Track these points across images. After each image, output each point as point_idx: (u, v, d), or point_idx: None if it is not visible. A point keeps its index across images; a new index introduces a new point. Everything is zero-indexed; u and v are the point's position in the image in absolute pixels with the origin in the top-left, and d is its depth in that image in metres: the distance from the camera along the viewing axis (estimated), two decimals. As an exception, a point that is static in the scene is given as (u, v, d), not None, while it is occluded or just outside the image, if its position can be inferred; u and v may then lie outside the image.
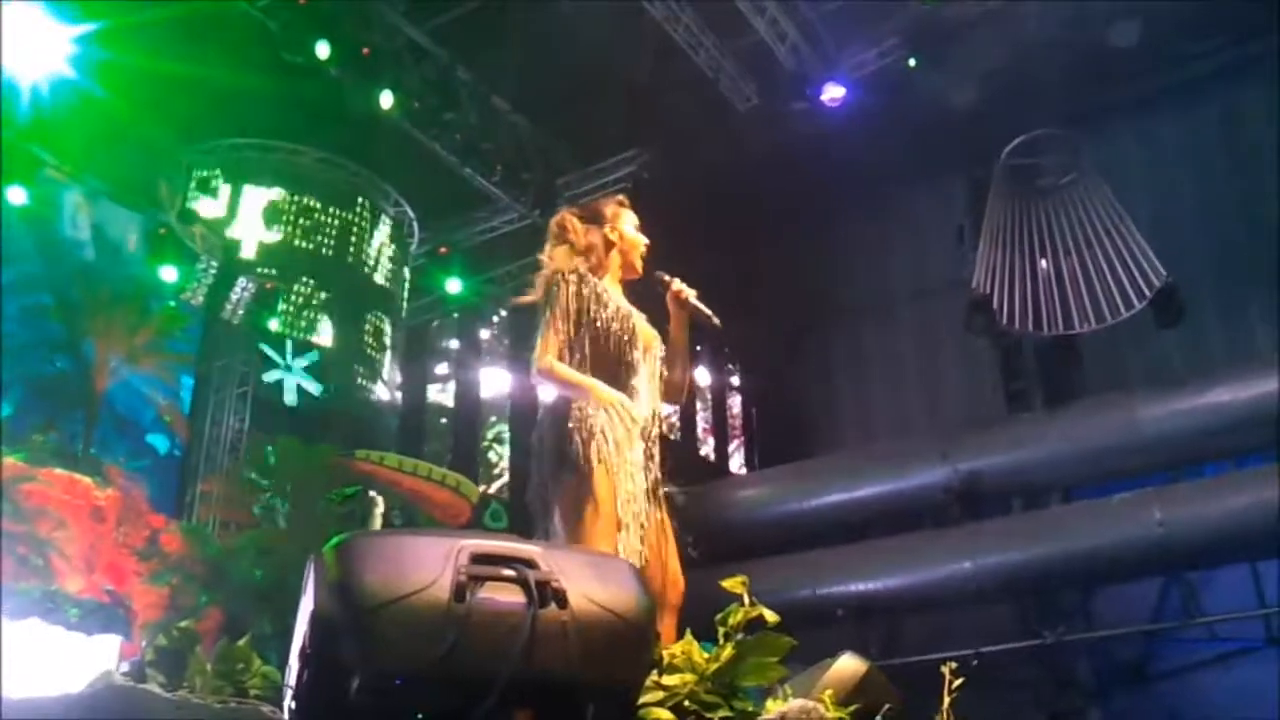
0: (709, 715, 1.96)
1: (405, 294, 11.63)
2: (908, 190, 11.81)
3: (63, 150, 8.48)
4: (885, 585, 9.62)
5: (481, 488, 10.99)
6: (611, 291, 3.16)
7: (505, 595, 1.79)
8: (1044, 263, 9.68)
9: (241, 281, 9.73)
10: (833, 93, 9.80)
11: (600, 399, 2.90)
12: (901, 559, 9.73)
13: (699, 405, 12.99)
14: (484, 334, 13.30)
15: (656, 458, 3.06)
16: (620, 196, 3.40)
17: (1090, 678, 9.56)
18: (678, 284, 3.19)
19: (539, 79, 10.19)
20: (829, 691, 2.48)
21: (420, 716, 1.72)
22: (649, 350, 3.15)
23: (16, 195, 8.27)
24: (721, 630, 2.09)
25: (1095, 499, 9.26)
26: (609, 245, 3.24)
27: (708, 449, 13.05)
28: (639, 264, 3.26)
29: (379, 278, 11.02)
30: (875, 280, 12.48)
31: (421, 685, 1.71)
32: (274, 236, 10.35)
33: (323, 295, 10.51)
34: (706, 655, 2.03)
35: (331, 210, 10.72)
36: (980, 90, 9.81)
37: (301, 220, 10.51)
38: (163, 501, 8.38)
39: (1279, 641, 8.75)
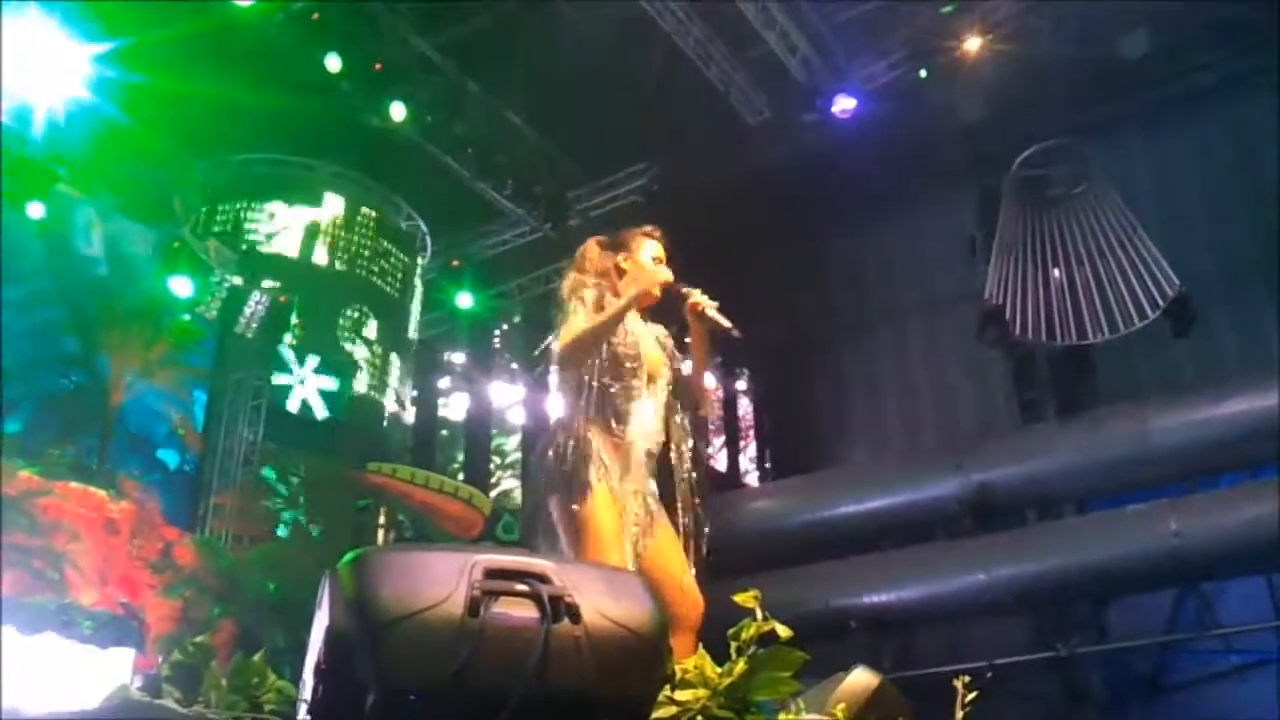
0: (722, 730, 1.96)
1: (418, 307, 11.68)
2: (918, 201, 11.81)
3: (76, 166, 8.54)
4: (898, 597, 9.60)
5: (495, 491, 11.01)
6: (630, 316, 3.16)
7: (519, 610, 1.80)
8: (1056, 273, 9.67)
9: (255, 295, 9.77)
10: (844, 104, 9.82)
11: (640, 281, 3.03)
12: (915, 571, 9.70)
13: (710, 420, 12.99)
14: (495, 346, 13.34)
15: (681, 473, 3.07)
16: (648, 227, 3.38)
17: (1104, 690, 9.50)
18: (695, 295, 3.18)
19: (550, 92, 10.24)
20: (842, 705, 2.48)
21: (434, 731, 1.72)
22: (655, 378, 3.15)
23: (35, 210, 8.35)
24: (734, 645, 2.09)
25: (1110, 510, 9.22)
26: (620, 272, 3.26)
27: (719, 460, 13.02)
28: (655, 292, 3.21)
29: (391, 291, 11.06)
30: (887, 291, 12.47)
31: (436, 700, 1.72)
32: (288, 250, 10.40)
33: (336, 308, 10.55)
34: (719, 670, 2.03)
35: (344, 224, 10.77)
36: (990, 101, 9.82)
37: (314, 234, 10.56)
38: (175, 516, 8.40)
39: (1296, 653, 8.69)
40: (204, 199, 10.42)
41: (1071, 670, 9.47)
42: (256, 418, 9.42)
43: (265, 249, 10.30)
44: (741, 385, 13.75)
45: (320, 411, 10.02)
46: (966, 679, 2.58)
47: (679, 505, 3.10)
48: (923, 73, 9.76)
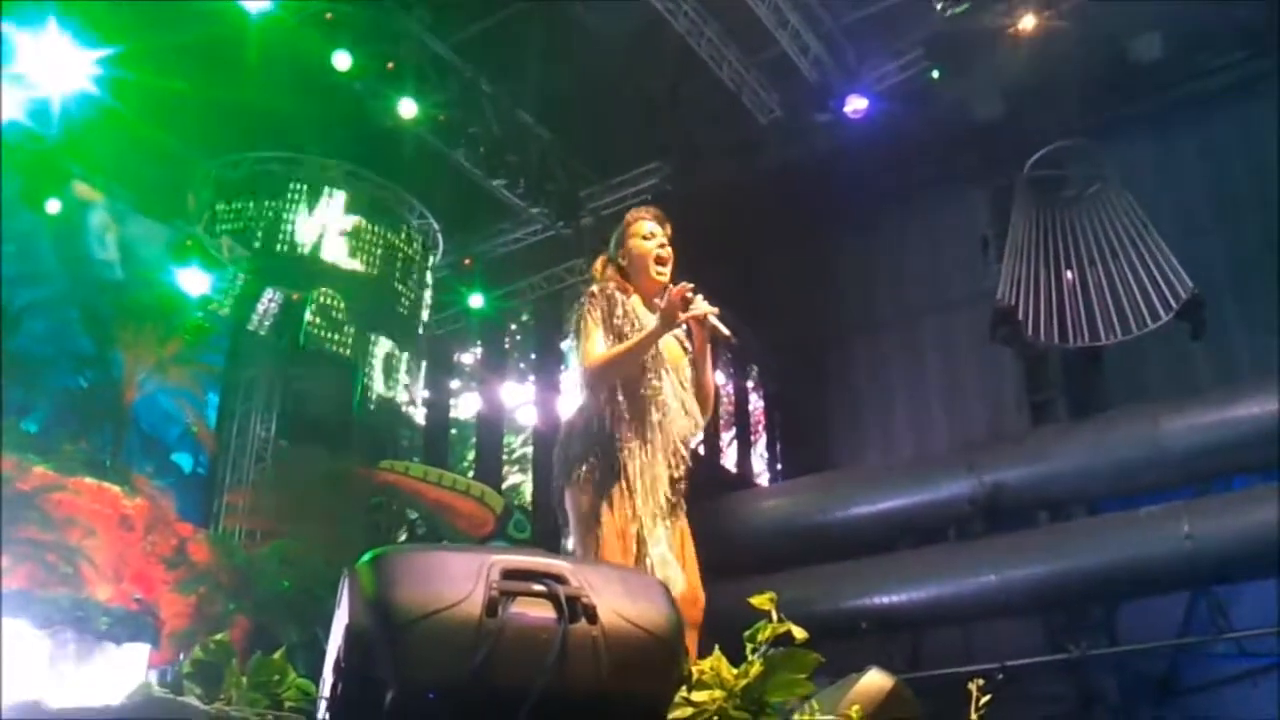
0: (737, 731, 1.97)
1: (430, 305, 11.70)
2: (930, 201, 11.80)
3: (90, 164, 8.60)
4: (910, 598, 9.59)
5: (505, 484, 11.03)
6: (640, 312, 3.17)
7: (536, 610, 1.82)
8: (1069, 274, 9.64)
9: (267, 293, 9.81)
10: (855, 105, 9.81)
11: (668, 312, 2.95)
12: (926, 572, 9.70)
13: (721, 417, 12.98)
14: (507, 344, 13.36)
15: (681, 473, 3.07)
16: (634, 210, 3.37)
17: (1116, 693, 9.47)
18: (696, 303, 3.13)
19: (562, 92, 10.25)
20: (856, 707, 2.48)
21: (453, 730, 1.74)
22: (676, 369, 3.15)
23: (53, 206, 8.41)
24: (749, 646, 2.10)
25: (1122, 512, 9.20)
26: (622, 270, 3.27)
27: (730, 461, 13.03)
28: (654, 272, 3.23)
29: (403, 289, 11.08)
30: (898, 291, 12.46)
31: (454, 699, 1.74)
32: (301, 248, 10.42)
33: (348, 306, 10.57)
34: (735, 671, 2.04)
35: (356, 222, 10.79)
36: (1002, 102, 9.80)
37: (326, 232, 10.58)
38: (189, 517, 8.47)
39: (1310, 657, 8.66)
40: (216, 197, 10.45)
41: (1083, 672, 9.45)
42: (269, 415, 9.46)
43: (277, 247, 10.33)
44: (752, 384, 13.75)
45: (333, 409, 10.04)
46: (980, 681, 2.58)
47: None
48: (935, 73, 9.73)
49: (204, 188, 10.45)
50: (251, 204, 10.35)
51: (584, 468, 2.95)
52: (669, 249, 3.26)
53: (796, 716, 2.23)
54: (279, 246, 10.25)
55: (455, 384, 13.15)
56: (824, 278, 12.62)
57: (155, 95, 8.40)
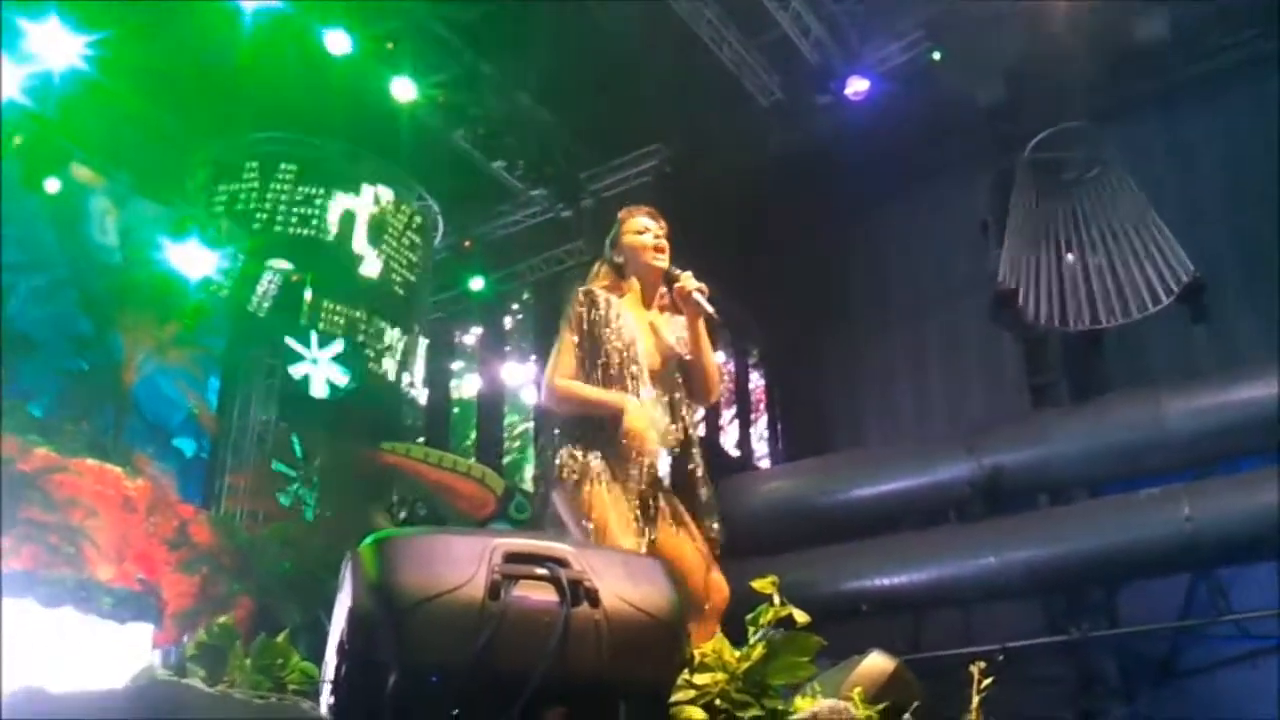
0: (740, 714, 1.97)
1: (430, 286, 11.69)
2: (932, 184, 11.75)
3: (87, 146, 8.58)
4: (910, 580, 9.61)
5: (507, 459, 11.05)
6: (628, 312, 3.14)
7: (539, 594, 1.82)
8: (1070, 257, 9.61)
9: (268, 274, 9.79)
10: (857, 86, 9.78)
11: (630, 423, 2.91)
12: (926, 554, 9.71)
13: (722, 399, 13.00)
14: (508, 325, 13.36)
15: (660, 479, 3.06)
16: (627, 208, 3.35)
17: (1117, 675, 9.50)
18: (683, 279, 3.15)
19: (563, 73, 10.21)
20: (858, 689, 2.49)
21: (456, 712, 1.74)
22: (657, 374, 3.12)
23: (52, 185, 8.40)
24: (752, 630, 2.10)
25: (1122, 494, 9.21)
26: (619, 267, 3.26)
27: (731, 443, 13.05)
28: (652, 262, 3.20)
29: (403, 269, 11.07)
30: (899, 274, 12.43)
31: (457, 682, 1.74)
32: (301, 229, 10.41)
33: (348, 287, 10.56)
34: (737, 654, 2.05)
35: (356, 203, 10.76)
36: (1004, 83, 9.75)
37: (325, 213, 10.56)
38: (192, 501, 8.49)
39: (1310, 639, 8.68)
40: (216, 178, 10.43)
41: (1084, 654, 9.48)
42: (270, 397, 9.47)
43: (277, 228, 10.31)
44: (754, 367, 13.75)
45: (335, 391, 10.05)
46: (982, 664, 2.59)
47: (693, 493, 3.10)
48: (936, 55, 9.68)
49: (203, 169, 10.44)
50: (251, 185, 10.32)
51: (566, 469, 2.95)
52: (664, 241, 3.23)
53: (798, 699, 2.24)
54: (278, 228, 10.24)
55: (457, 365, 13.16)
56: (824, 260, 12.60)
57: (154, 76, 8.38)
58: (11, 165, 7.86)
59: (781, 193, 11.43)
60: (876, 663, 2.79)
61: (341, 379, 9.97)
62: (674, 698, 1.96)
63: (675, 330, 3.22)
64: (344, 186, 10.60)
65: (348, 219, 10.53)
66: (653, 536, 2.93)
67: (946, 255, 11.88)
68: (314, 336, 9.95)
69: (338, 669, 1.81)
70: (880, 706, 2.42)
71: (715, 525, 3.11)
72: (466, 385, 13.51)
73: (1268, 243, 9.87)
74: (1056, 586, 9.42)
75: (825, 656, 2.66)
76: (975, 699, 2.47)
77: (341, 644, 1.81)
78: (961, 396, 11.55)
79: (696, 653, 2.06)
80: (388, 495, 9.76)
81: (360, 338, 10.46)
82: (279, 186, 10.39)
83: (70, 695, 1.75)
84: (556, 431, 3.06)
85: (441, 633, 1.74)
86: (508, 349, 13.12)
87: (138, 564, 7.43)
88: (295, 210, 10.37)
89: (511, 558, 1.84)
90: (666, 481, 3.11)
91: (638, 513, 2.93)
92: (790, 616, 2.12)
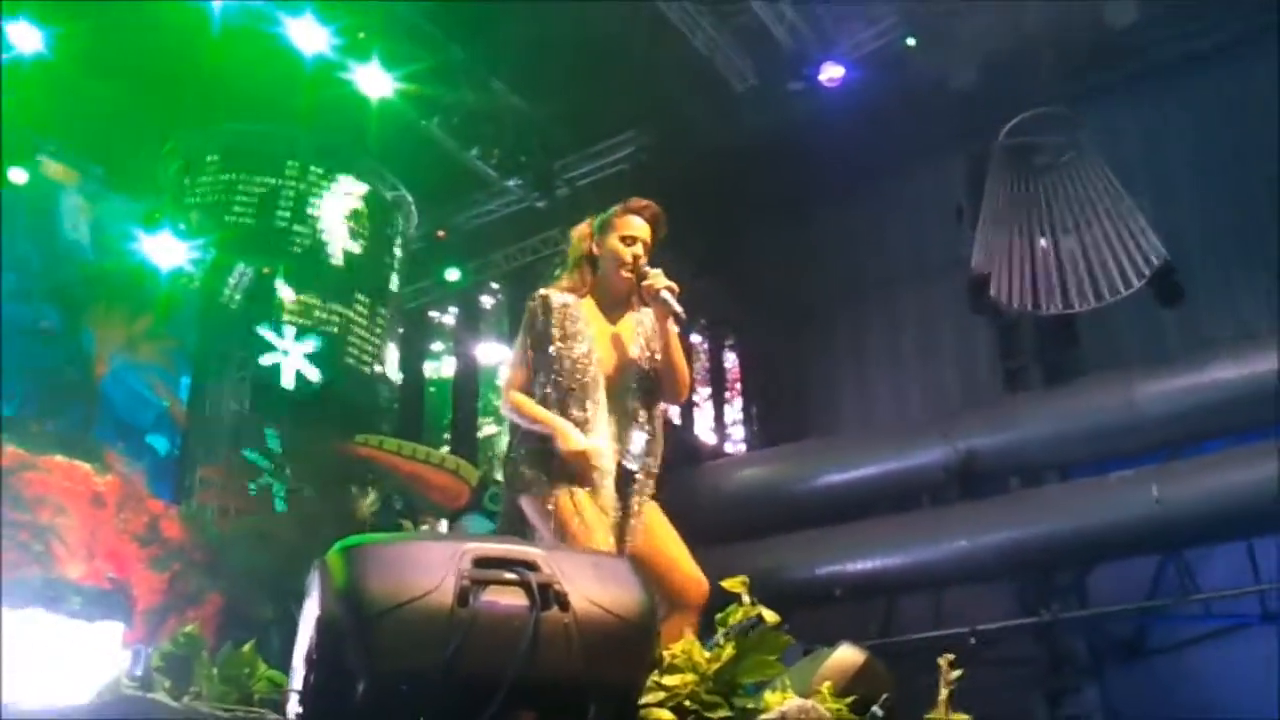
0: (709, 715, 1.98)
1: (403, 277, 11.62)
2: (906, 170, 11.78)
3: (55, 138, 8.47)
4: (884, 564, 9.69)
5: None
6: (586, 319, 3.11)
7: (508, 598, 1.82)
8: (1043, 241, 9.66)
9: (238, 267, 9.71)
10: (831, 72, 9.76)
11: (565, 448, 2.91)
12: (900, 538, 9.79)
13: (696, 386, 13.01)
14: (482, 316, 13.30)
15: (640, 478, 3.05)
16: (634, 201, 3.24)
17: (1087, 655, 9.63)
18: (652, 277, 3.11)
19: (536, 61, 10.12)
20: (827, 683, 2.50)
21: None
22: (615, 379, 3.09)
23: (18, 176, 8.29)
24: (721, 630, 2.11)
25: (1093, 477, 9.31)
26: (592, 259, 3.20)
27: (706, 429, 13.07)
28: (622, 272, 3.15)
29: (377, 260, 11.00)
30: (873, 260, 12.47)
31: (427, 689, 1.74)
32: (272, 221, 10.31)
33: (321, 278, 10.49)
34: (707, 655, 2.05)
35: (328, 194, 10.67)
36: (978, 69, 9.77)
37: (297, 204, 10.47)
38: (165, 499, 8.41)
39: (1274, 617, 8.81)
40: (186, 170, 10.31)
41: (1054, 635, 9.60)
42: (242, 390, 9.39)
43: (248, 220, 10.20)
44: (728, 353, 13.77)
45: (306, 383, 9.98)
46: (951, 656, 2.61)
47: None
48: (910, 40, 9.69)
49: (173, 161, 10.31)
50: (221, 177, 10.22)
51: (529, 474, 2.96)
52: (644, 259, 3.16)
53: (768, 694, 2.25)
54: (249, 220, 10.14)
55: (431, 351, 13.12)
56: (800, 246, 12.60)
57: (124, 68, 8.27)
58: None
59: (757, 179, 11.42)
60: (846, 655, 2.80)
61: (313, 372, 9.89)
62: (644, 699, 1.97)
63: (639, 337, 3.18)
64: (316, 177, 10.51)
65: (319, 209, 10.44)
66: (627, 539, 2.93)
67: (921, 240, 11.93)
68: (285, 329, 9.86)
69: (306, 678, 1.81)
70: (849, 700, 2.43)
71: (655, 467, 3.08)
72: (442, 367, 13.50)
73: (1234, 227, 9.98)
74: (1028, 568, 9.52)
75: (800, 640, 2.68)
76: (944, 691, 2.49)
77: (310, 653, 1.80)
78: (935, 381, 11.62)
79: (666, 654, 2.07)
80: (361, 487, 9.71)
81: (333, 329, 10.39)
82: (250, 177, 10.28)
83: (37, 711, 1.73)
84: (522, 434, 3.05)
85: (411, 640, 1.74)
86: (482, 331, 13.05)
87: (108, 561, 7.37)
88: (266, 201, 10.27)
89: (480, 563, 1.84)
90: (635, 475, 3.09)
91: (607, 513, 2.93)
92: (760, 616, 2.13)
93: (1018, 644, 9.60)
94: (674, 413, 11.83)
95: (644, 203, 3.24)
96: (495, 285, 12.60)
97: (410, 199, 11.18)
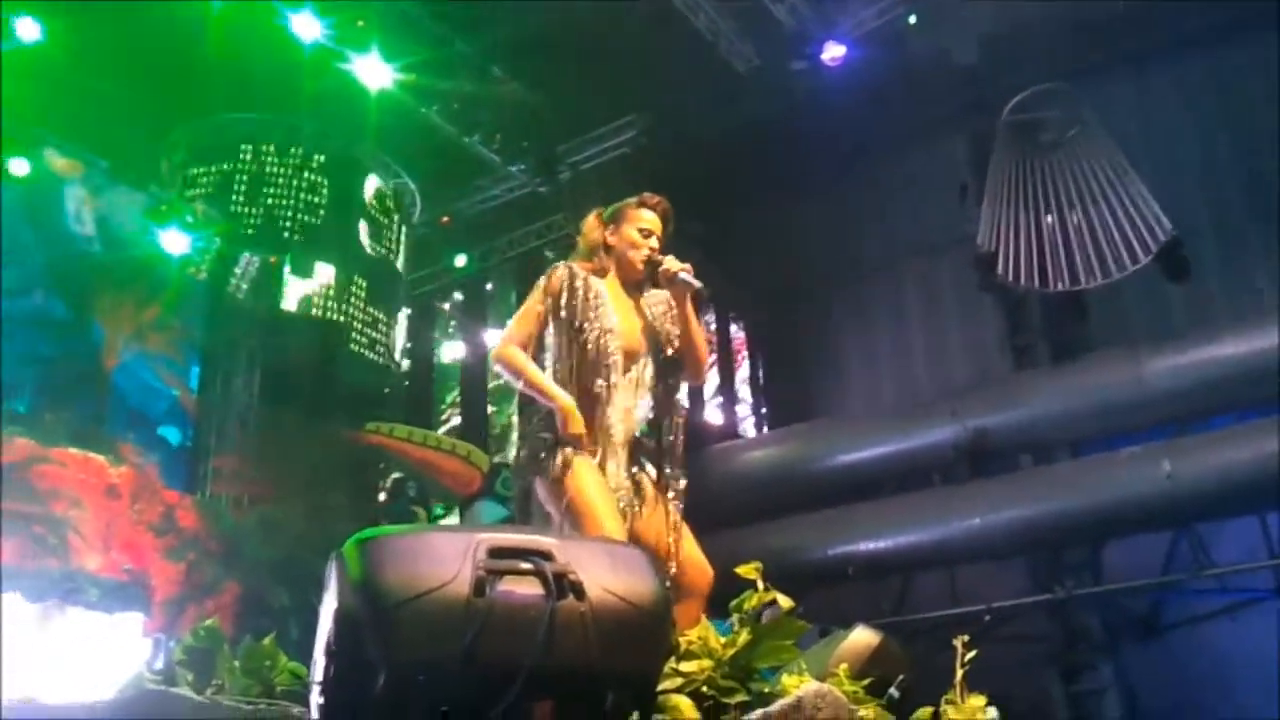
0: (726, 700, 1.99)
1: (409, 264, 11.62)
2: (910, 148, 11.73)
3: (58, 130, 8.47)
4: (896, 543, 9.70)
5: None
6: (608, 295, 3.16)
7: (524, 588, 1.83)
8: (1049, 218, 9.62)
9: (245, 256, 9.71)
10: (833, 51, 9.70)
11: (560, 408, 2.93)
12: (911, 517, 9.79)
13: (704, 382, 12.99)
14: (487, 299, 13.31)
15: (657, 456, 3.08)
16: (649, 196, 3.32)
17: (1101, 631, 9.64)
18: (666, 263, 3.16)
19: (536, 46, 10.09)
20: (844, 665, 2.52)
21: (444, 709, 1.76)
22: (634, 358, 3.13)
23: (19, 167, 8.29)
24: (736, 616, 2.11)
25: (1103, 454, 9.30)
26: (608, 247, 3.26)
27: (714, 411, 13.08)
28: (637, 264, 3.20)
29: (381, 247, 10.99)
30: (879, 239, 12.42)
31: (444, 679, 1.75)
32: (277, 210, 10.30)
33: (326, 267, 10.48)
34: (723, 640, 2.06)
35: (332, 183, 10.66)
36: (981, 46, 9.72)
37: (301, 193, 10.46)
38: (178, 489, 8.45)
39: (1287, 591, 8.82)
40: (189, 160, 10.30)
41: (1068, 612, 9.60)
42: (252, 379, 9.42)
43: (253, 209, 10.19)
44: (736, 334, 13.76)
45: (316, 372, 10.00)
46: (965, 637, 2.62)
47: (664, 475, 3.11)
48: (912, 18, 9.63)
49: (176, 151, 10.30)
50: (225, 166, 10.21)
51: (544, 455, 2.96)
52: (657, 251, 3.22)
53: (785, 677, 2.26)
54: (254, 209, 10.14)
55: (438, 338, 13.15)
56: (805, 226, 12.58)
57: (126, 58, 8.26)
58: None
59: (761, 160, 11.39)
60: (861, 637, 2.82)
61: (319, 362, 9.90)
62: (661, 686, 1.98)
63: (658, 318, 3.23)
64: (319, 166, 10.49)
65: (323, 198, 10.43)
66: (635, 522, 2.94)
67: (925, 218, 11.87)
68: (293, 317, 9.87)
69: (326, 670, 1.82)
70: (866, 681, 2.45)
71: (681, 484, 3.10)
72: (449, 353, 13.54)
73: (1239, 202, 9.93)
74: (1040, 546, 9.53)
75: (814, 622, 2.69)
76: (959, 672, 2.50)
77: (329, 645, 1.82)
78: (943, 359, 11.59)
79: (682, 640, 2.08)
80: (375, 475, 9.75)
81: (339, 316, 10.39)
82: (254, 167, 10.27)
83: (62, 708, 1.74)
84: (536, 419, 3.06)
85: (428, 630, 1.75)
86: (488, 324, 13.07)
87: (124, 552, 7.41)
88: (271, 190, 10.26)
89: (496, 553, 1.85)
90: (643, 458, 3.12)
91: (626, 488, 2.96)
92: (774, 600, 2.14)
93: (1032, 621, 9.62)
94: (681, 395, 11.81)
95: (657, 198, 3.34)
96: (500, 270, 12.60)
97: (413, 186, 11.17)
